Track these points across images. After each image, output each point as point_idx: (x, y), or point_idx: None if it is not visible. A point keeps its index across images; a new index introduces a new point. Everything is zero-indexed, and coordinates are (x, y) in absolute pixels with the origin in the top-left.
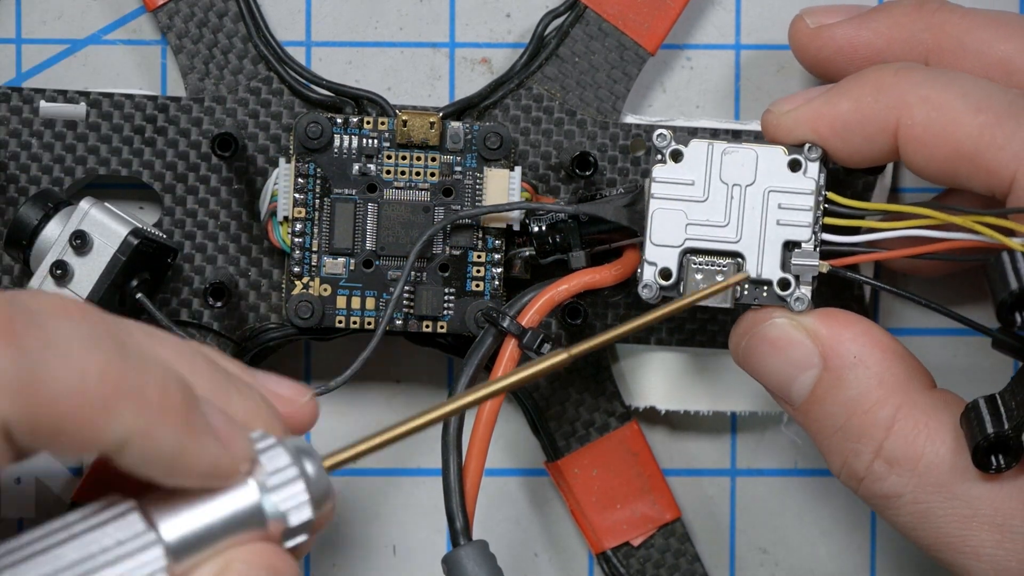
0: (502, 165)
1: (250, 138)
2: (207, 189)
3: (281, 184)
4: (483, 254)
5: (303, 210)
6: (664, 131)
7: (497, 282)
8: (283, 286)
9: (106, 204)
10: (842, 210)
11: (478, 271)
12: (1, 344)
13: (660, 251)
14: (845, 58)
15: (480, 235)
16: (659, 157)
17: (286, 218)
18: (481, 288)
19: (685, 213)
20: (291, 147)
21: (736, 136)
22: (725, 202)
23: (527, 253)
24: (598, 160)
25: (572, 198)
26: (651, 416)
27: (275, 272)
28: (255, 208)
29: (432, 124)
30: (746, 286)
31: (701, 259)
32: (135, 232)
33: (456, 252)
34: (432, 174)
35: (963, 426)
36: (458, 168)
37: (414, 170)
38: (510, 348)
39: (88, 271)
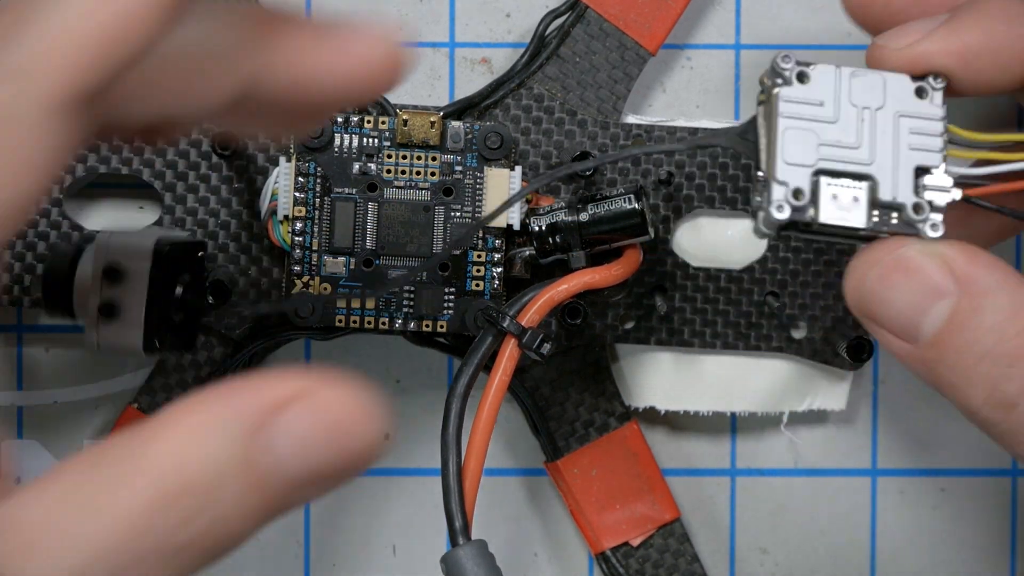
0: (502, 165)
1: (250, 136)
2: (207, 187)
3: (281, 183)
4: (483, 254)
5: (303, 209)
6: (787, 54)
7: (497, 282)
8: (283, 285)
9: (117, 229)
10: (965, 141)
11: (478, 271)
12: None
13: (792, 170)
14: (918, 9)
15: (480, 235)
16: (781, 80)
17: (286, 217)
18: (481, 288)
19: (816, 133)
20: (291, 146)
21: None
22: (856, 124)
23: (527, 253)
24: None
25: (573, 198)
26: (651, 416)
27: (275, 271)
28: (255, 207)
29: (433, 123)
30: (875, 212)
31: (834, 180)
32: (159, 243)
33: (456, 252)
34: (432, 173)
35: None
36: (458, 168)
37: (414, 169)
38: (510, 348)
39: (133, 299)
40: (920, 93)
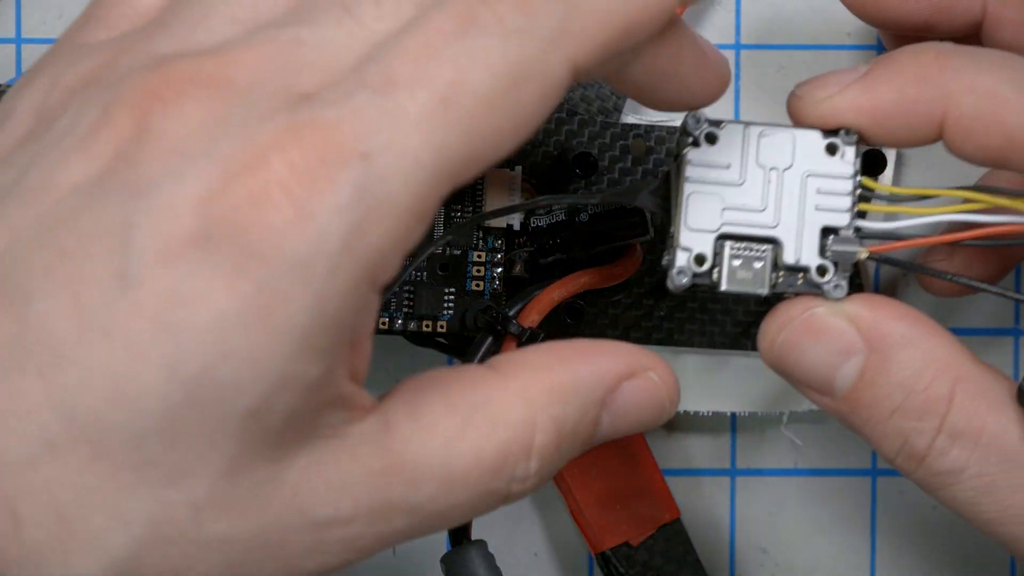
0: (502, 165)
1: None
2: None
3: None
4: (483, 254)
5: None
6: (697, 113)
7: (497, 282)
8: None
9: None
10: (878, 195)
11: (478, 271)
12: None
13: (695, 236)
14: None
15: (480, 235)
16: (691, 140)
17: None
18: (481, 288)
19: (721, 197)
20: None
21: None
22: (762, 186)
23: (527, 253)
24: (599, 160)
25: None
26: None
27: None
28: None
29: None
30: (781, 273)
31: (737, 245)
32: None
33: (456, 252)
34: None
35: (1021, 403)
36: None
37: None
38: (510, 349)
39: None
40: (831, 149)
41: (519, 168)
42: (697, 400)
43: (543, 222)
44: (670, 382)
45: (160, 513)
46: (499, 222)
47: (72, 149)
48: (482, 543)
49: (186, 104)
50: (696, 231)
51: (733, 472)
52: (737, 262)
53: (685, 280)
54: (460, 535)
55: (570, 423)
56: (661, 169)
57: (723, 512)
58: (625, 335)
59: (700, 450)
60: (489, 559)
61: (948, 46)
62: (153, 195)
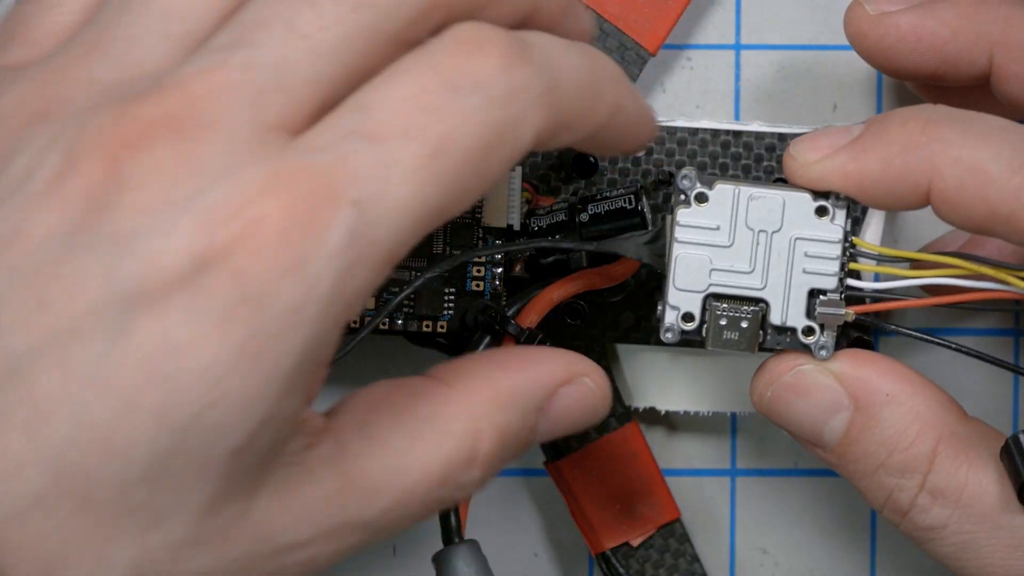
0: None
1: None
2: None
3: None
4: (483, 254)
5: None
6: (689, 172)
7: (497, 282)
8: None
9: None
10: (869, 255)
11: (478, 271)
12: (524, 65)
13: (683, 296)
14: (908, 47)
15: (480, 235)
16: (683, 198)
17: None
18: (481, 288)
19: (710, 259)
20: None
21: (736, 137)
22: (750, 249)
23: (527, 253)
24: (598, 160)
25: (573, 198)
26: (651, 416)
27: None
28: None
29: None
30: (769, 331)
31: (724, 304)
32: None
33: (456, 252)
34: None
35: (1004, 461)
36: None
37: None
38: None
39: None
40: (821, 211)
41: (519, 169)
42: (697, 400)
43: (543, 222)
44: (604, 387)
45: (142, 556)
46: (499, 222)
47: (38, 197)
48: (474, 543)
49: (157, 150)
50: (684, 291)
51: (733, 472)
52: (723, 322)
53: (672, 337)
54: (452, 534)
55: (512, 430)
56: (632, 180)
57: (723, 512)
58: (625, 336)
59: (700, 450)
60: (481, 559)
61: (939, 112)
62: (139, 244)
